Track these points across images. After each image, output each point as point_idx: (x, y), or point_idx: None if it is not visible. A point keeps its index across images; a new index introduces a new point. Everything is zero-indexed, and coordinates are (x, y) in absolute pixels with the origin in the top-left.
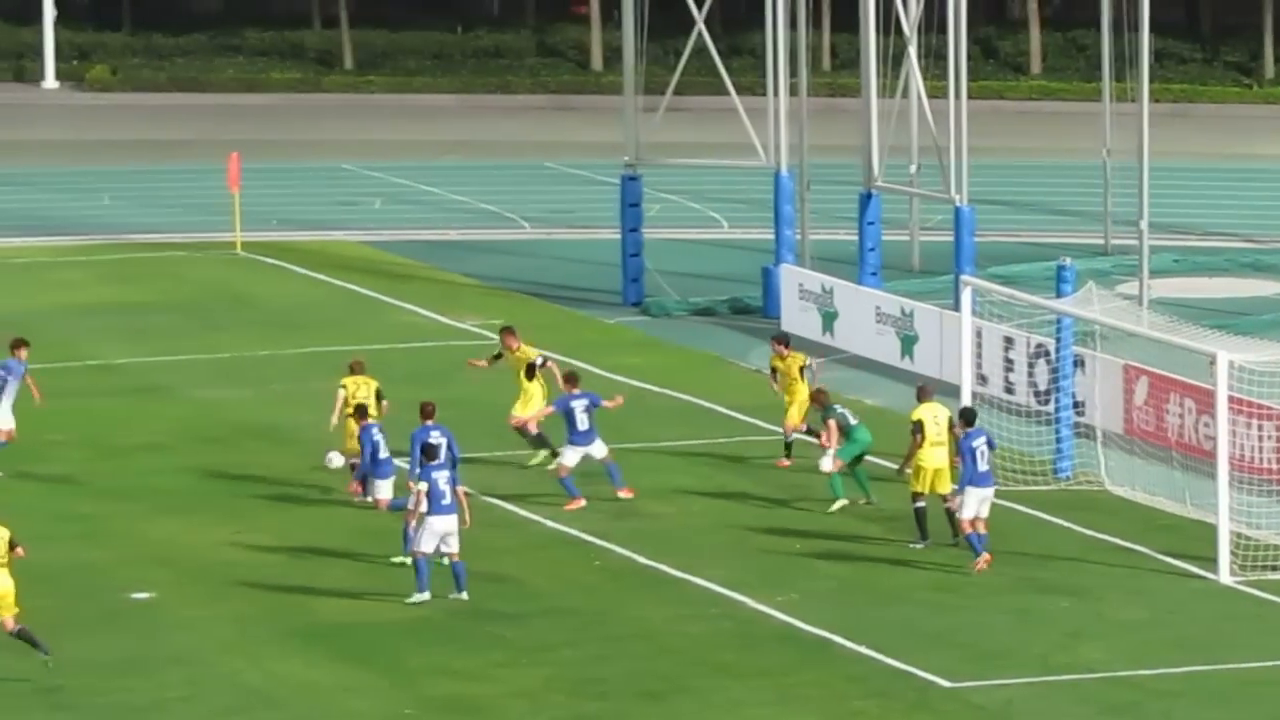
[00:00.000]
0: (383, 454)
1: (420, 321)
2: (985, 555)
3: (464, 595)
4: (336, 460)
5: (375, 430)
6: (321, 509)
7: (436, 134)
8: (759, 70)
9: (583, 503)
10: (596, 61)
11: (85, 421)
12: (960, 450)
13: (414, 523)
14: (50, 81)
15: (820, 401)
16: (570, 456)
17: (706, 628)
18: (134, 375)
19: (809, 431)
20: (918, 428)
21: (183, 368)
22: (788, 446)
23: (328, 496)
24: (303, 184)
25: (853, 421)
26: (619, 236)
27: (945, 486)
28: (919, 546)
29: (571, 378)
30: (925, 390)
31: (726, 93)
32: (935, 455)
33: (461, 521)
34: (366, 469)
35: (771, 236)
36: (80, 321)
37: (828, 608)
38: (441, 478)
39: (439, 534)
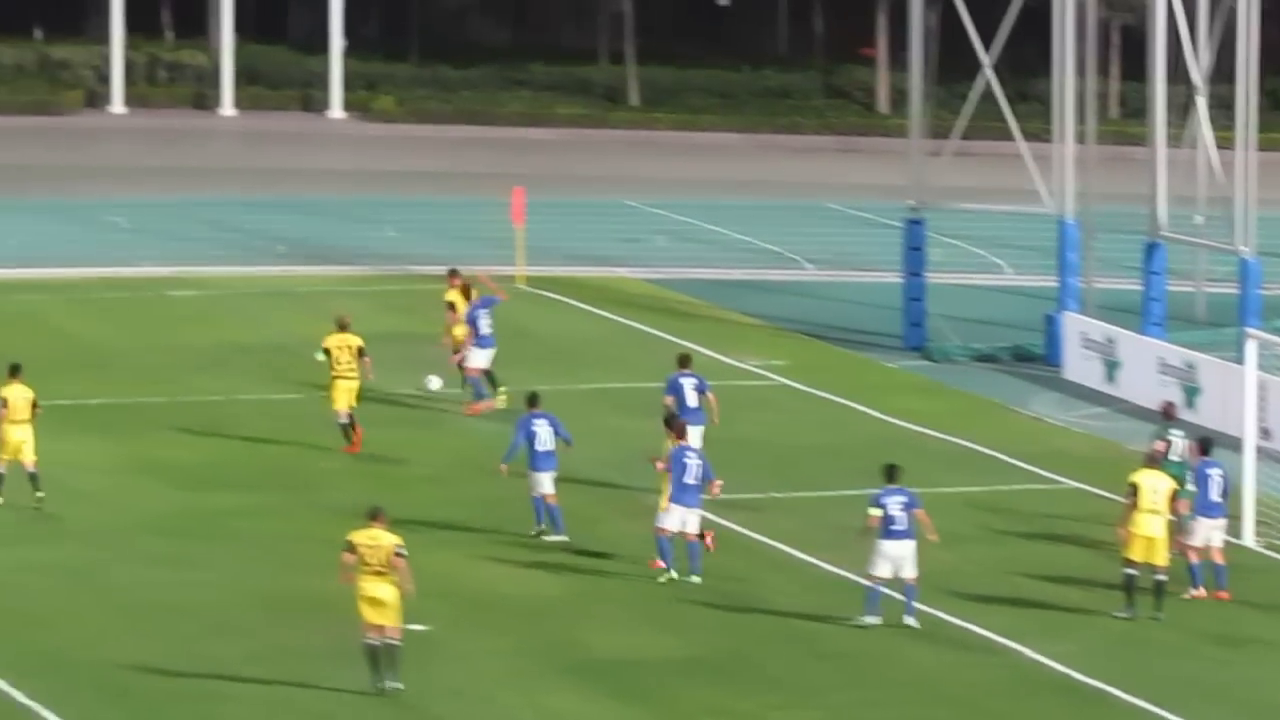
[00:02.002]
0: (541, 445)
1: (701, 360)
2: (1200, 589)
3: (910, 619)
4: (435, 383)
5: (536, 420)
6: (601, 544)
7: (722, 172)
8: (1045, 116)
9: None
10: (883, 104)
11: (363, 452)
12: (1196, 478)
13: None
14: (337, 111)
15: (1167, 414)
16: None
17: (983, 676)
18: (412, 408)
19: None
20: (1132, 491)
21: (460, 401)
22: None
23: (607, 531)
24: (586, 219)
25: (1173, 457)
26: (901, 280)
27: (1160, 558)
28: (1123, 616)
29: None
30: (1154, 456)
31: (1012, 138)
32: (1150, 523)
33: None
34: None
35: (1054, 283)
36: None
37: (1106, 659)
38: (894, 503)
39: (892, 559)
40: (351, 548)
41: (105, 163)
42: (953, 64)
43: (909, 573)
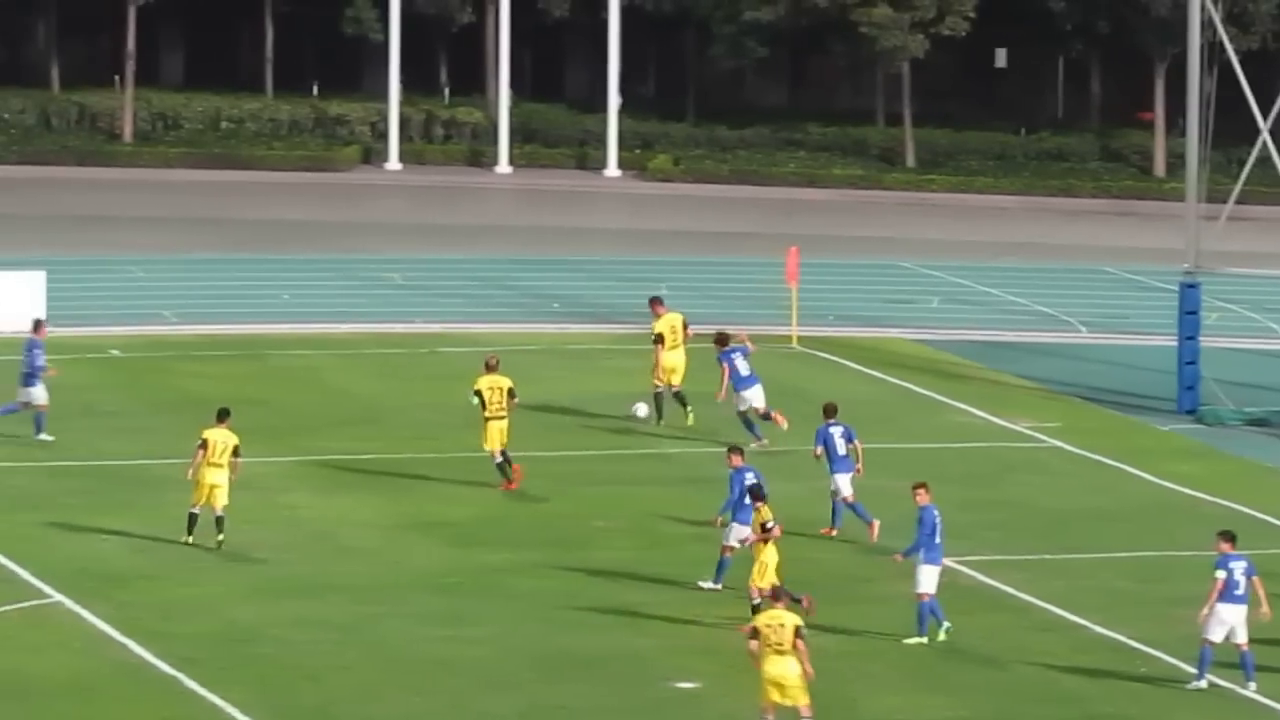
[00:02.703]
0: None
1: (973, 422)
2: None
3: (1251, 685)
4: (643, 410)
5: (747, 473)
6: (870, 603)
7: (996, 234)
8: None
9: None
10: (1159, 167)
11: (634, 509)
12: None
13: (1205, 610)
14: (612, 169)
15: None
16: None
17: None
18: (684, 465)
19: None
20: None
21: (711, 440)
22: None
23: (876, 590)
24: (860, 280)
25: None
26: (1175, 343)
27: None
28: None
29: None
30: None
31: None
32: None
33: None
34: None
35: None
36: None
37: None
38: (1238, 568)
39: (1228, 624)
40: (755, 632)
41: (380, 219)
42: (1230, 129)
43: (1241, 638)
